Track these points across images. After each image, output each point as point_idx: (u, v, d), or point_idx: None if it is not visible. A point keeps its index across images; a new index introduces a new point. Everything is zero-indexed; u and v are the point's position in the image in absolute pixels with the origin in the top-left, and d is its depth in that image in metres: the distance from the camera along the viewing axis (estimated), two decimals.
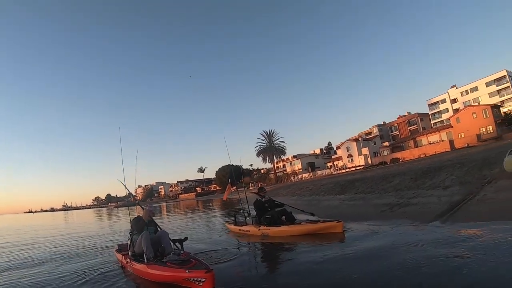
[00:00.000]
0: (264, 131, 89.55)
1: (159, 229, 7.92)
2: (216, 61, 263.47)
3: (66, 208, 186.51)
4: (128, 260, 7.52)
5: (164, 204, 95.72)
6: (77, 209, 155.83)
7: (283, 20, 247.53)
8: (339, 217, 10.91)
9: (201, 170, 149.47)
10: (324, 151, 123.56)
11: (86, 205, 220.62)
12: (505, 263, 5.03)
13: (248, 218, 12.50)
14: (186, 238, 7.70)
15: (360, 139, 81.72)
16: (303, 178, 79.27)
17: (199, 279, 5.47)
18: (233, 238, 11.69)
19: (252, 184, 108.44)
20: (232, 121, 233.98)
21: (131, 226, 7.96)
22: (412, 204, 11.99)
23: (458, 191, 11.53)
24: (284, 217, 11.07)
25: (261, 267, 7.69)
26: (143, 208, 8.47)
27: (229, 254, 8.65)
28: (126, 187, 9.62)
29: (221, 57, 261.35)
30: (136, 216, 8.22)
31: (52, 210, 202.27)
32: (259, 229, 11.16)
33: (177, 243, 7.46)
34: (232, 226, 13.17)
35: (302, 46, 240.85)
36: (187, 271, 5.65)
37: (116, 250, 9.16)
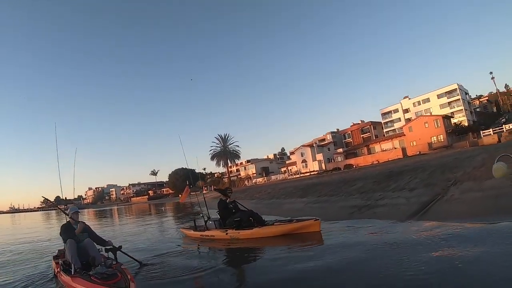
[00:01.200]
0: (219, 135, 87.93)
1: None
2: (169, 63, 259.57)
3: (13, 211, 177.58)
4: (59, 269, 6.67)
5: (116, 207, 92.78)
6: (25, 211, 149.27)
7: (243, 23, 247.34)
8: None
9: (154, 173, 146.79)
10: (278, 156, 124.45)
11: (35, 207, 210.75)
12: (492, 256, 5.05)
13: (209, 222, 11.25)
14: (120, 247, 7.15)
15: (314, 145, 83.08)
16: (258, 183, 79.30)
17: None
18: (191, 245, 10.39)
19: (206, 188, 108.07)
20: (186, 125, 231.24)
21: (60, 234, 7.05)
22: (380, 206, 11.91)
23: (424, 192, 11.66)
24: (251, 219, 10.11)
25: (231, 277, 6.58)
26: (66, 214, 7.67)
27: (188, 263, 7.60)
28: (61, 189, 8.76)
29: (173, 60, 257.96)
30: (67, 221, 7.31)
31: None
32: (226, 233, 9.99)
33: (110, 253, 6.91)
34: (191, 232, 11.69)
35: (258, 51, 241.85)
36: None
37: (54, 256, 7.96)
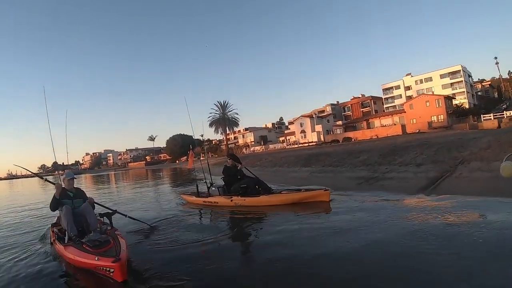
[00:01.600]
0: (218, 102, 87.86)
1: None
2: (171, 27, 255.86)
3: (11, 177, 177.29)
4: (54, 237, 6.52)
5: (113, 172, 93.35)
6: (23, 177, 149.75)
7: None
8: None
9: (152, 139, 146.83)
10: (276, 125, 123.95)
11: (31, 173, 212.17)
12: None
13: (212, 188, 11.09)
14: (115, 211, 7.02)
15: (314, 116, 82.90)
16: (255, 151, 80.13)
17: (108, 268, 4.61)
18: (193, 211, 10.15)
19: (203, 155, 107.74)
20: (184, 90, 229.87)
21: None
22: (388, 178, 12.02)
23: (432, 168, 11.68)
24: (257, 187, 10.05)
25: (235, 244, 6.57)
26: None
27: (189, 229, 7.56)
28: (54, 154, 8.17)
29: (177, 27, 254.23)
30: (62, 187, 6.82)
31: None
32: (231, 200, 9.84)
33: (105, 217, 6.75)
34: (193, 198, 11.41)
35: (260, 21, 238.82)
36: (96, 258, 4.74)
37: (52, 224, 7.62)
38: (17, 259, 6.33)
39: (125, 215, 7.58)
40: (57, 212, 6.69)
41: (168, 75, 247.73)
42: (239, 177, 10.42)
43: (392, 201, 8.70)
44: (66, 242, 5.80)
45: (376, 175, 12.89)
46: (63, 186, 6.73)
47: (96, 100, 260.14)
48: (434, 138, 21.53)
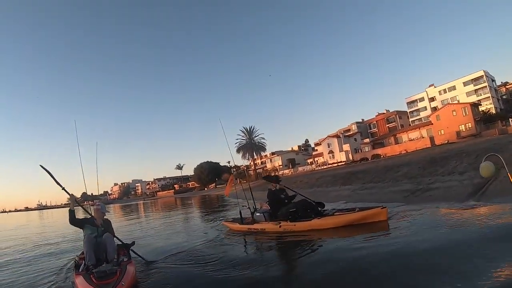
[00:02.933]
0: (244, 127, 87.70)
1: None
2: (197, 57, 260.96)
3: (41, 207, 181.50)
4: (74, 265, 6.70)
5: (142, 201, 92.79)
6: (52, 208, 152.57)
7: (264, 20, 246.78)
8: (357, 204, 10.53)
9: (179, 167, 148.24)
10: (302, 148, 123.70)
11: (62, 204, 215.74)
12: None
13: (257, 214, 10.43)
14: (133, 243, 7.17)
15: (341, 136, 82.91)
16: (284, 174, 78.62)
17: None
18: (237, 238, 9.70)
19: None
20: (210, 119, 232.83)
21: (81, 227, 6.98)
22: (433, 189, 12.38)
23: (475, 175, 11.79)
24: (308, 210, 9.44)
25: (285, 272, 6.17)
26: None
27: (234, 257, 7.16)
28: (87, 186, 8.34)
29: (202, 55, 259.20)
30: (91, 217, 7.21)
31: (27, 209, 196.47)
32: (279, 226, 9.18)
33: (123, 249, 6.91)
34: (236, 225, 10.83)
35: (282, 46, 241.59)
36: None
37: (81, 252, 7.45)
38: (40, 281, 7.00)
39: (136, 253, 7.38)
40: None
41: (196, 104, 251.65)
42: (286, 200, 9.90)
43: (448, 210, 8.81)
44: (80, 270, 5.95)
45: (421, 187, 13.23)
46: (92, 215, 7.12)
47: (123, 132, 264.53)
48: (468, 146, 21.61)
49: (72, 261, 7.61)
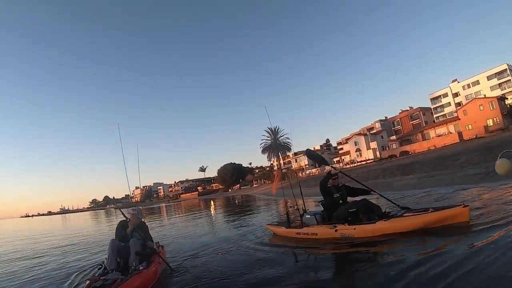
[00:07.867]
0: (268, 128, 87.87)
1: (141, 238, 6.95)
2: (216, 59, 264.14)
3: (64, 212, 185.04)
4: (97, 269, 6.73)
5: (164, 204, 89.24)
6: (74, 212, 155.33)
7: (284, 14, 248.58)
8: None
9: (203, 169, 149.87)
10: (324, 147, 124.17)
11: (84, 207, 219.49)
12: None
13: (307, 216, 8.71)
14: (158, 248, 7.28)
15: (367, 134, 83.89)
16: (312, 174, 79.65)
17: None
18: (284, 244, 8.20)
19: (256, 182, 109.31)
20: (233, 120, 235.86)
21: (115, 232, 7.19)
22: None
23: None
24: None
25: None
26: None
27: (282, 271, 5.82)
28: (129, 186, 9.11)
29: (223, 56, 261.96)
30: (122, 220, 7.34)
31: (50, 213, 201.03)
32: (335, 230, 7.55)
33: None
34: (283, 229, 9.24)
35: (305, 44, 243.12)
36: None
37: None
38: (64, 280, 7.40)
39: (164, 260, 7.06)
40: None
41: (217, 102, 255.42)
42: (341, 201, 8.17)
43: None
44: (96, 274, 6.00)
45: (491, 170, 13.72)
46: (126, 220, 7.25)
47: (147, 136, 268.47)
48: (503, 138, 22.50)
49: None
